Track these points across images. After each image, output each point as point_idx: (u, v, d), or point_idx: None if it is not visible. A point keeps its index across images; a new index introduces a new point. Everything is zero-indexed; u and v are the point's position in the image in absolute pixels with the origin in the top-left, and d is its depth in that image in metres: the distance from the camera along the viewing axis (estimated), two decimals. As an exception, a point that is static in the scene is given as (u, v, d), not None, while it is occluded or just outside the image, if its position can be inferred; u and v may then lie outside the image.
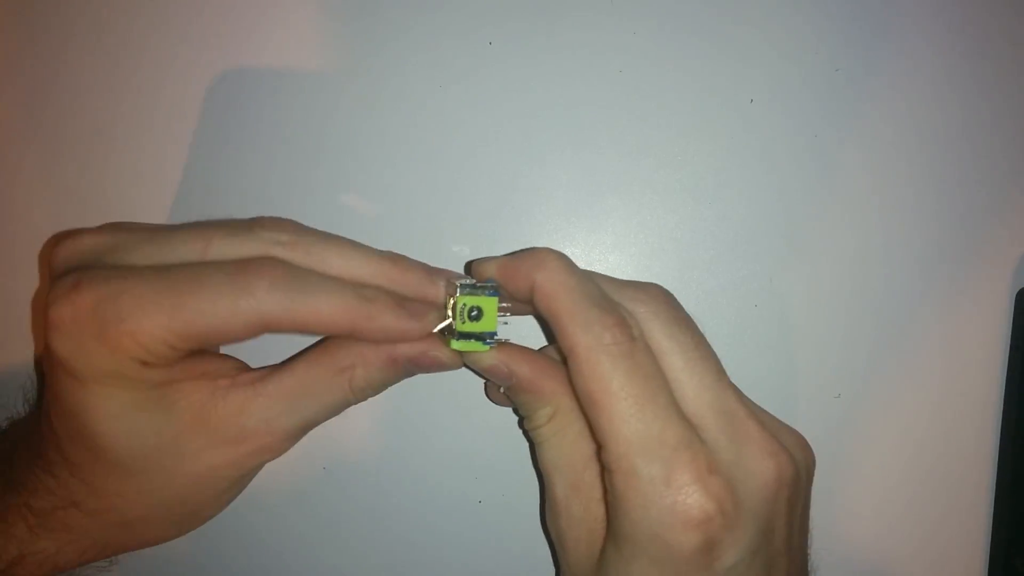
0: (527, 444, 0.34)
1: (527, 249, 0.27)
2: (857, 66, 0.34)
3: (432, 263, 0.28)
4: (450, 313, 0.27)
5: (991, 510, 0.34)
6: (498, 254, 0.34)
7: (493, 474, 0.34)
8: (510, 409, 0.33)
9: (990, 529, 0.34)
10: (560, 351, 0.26)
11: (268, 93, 0.34)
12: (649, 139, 0.34)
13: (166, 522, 0.29)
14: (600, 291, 0.26)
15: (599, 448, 0.25)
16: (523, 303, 0.27)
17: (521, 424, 0.29)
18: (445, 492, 0.34)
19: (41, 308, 0.34)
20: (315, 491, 0.35)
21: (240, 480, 0.28)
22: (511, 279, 0.27)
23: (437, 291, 0.27)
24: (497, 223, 0.34)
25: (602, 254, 0.34)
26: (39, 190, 0.35)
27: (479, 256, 0.34)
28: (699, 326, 0.27)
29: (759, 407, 0.27)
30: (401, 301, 0.26)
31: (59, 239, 0.27)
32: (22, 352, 0.35)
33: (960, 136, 0.34)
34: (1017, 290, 0.34)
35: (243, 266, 0.25)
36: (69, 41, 0.34)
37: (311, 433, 0.28)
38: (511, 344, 0.28)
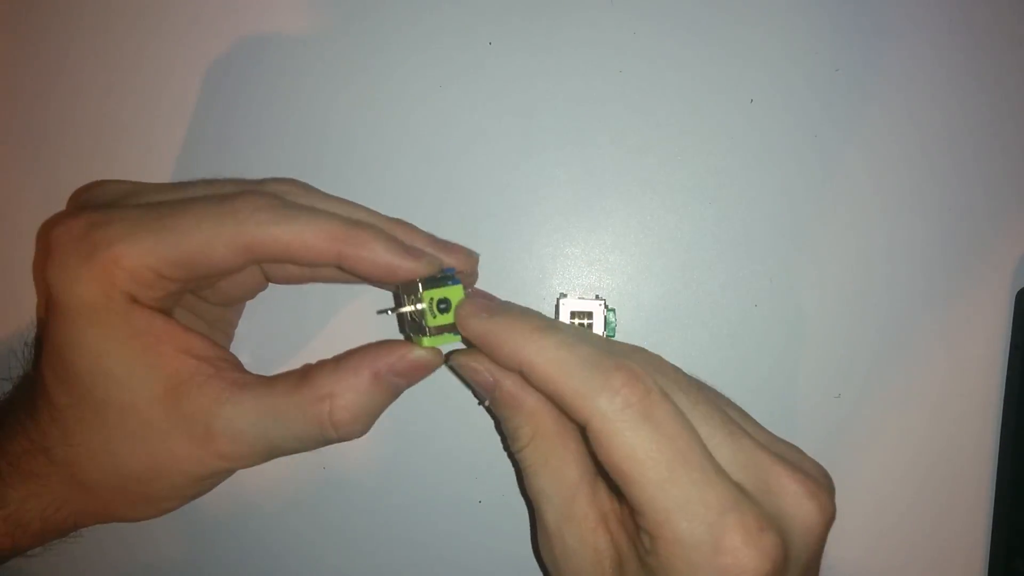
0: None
1: (501, 307, 0.25)
2: (857, 66, 0.34)
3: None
4: (420, 308, 0.26)
5: (991, 510, 0.34)
6: (497, 254, 0.34)
7: (493, 474, 0.34)
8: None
9: (990, 529, 0.34)
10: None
11: (267, 92, 0.34)
12: (649, 139, 0.34)
13: (123, 498, 0.28)
14: (596, 349, 0.24)
15: (634, 512, 0.23)
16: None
17: (506, 447, 0.29)
18: (445, 492, 0.34)
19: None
20: (314, 491, 0.35)
21: (202, 480, 0.28)
22: (493, 354, 0.25)
23: (443, 249, 0.28)
24: (497, 223, 0.34)
25: (602, 254, 0.34)
26: (36, 177, 0.35)
27: (481, 252, 0.34)
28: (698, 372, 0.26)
29: (773, 438, 0.26)
30: (395, 239, 0.26)
31: (89, 185, 0.29)
32: (23, 327, 0.35)
33: (960, 136, 0.34)
34: (1017, 290, 0.34)
35: (231, 195, 0.26)
36: (72, 32, 0.34)
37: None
38: None
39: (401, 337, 0.33)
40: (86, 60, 0.34)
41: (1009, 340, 0.34)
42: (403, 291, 0.27)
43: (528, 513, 0.33)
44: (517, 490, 0.34)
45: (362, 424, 0.27)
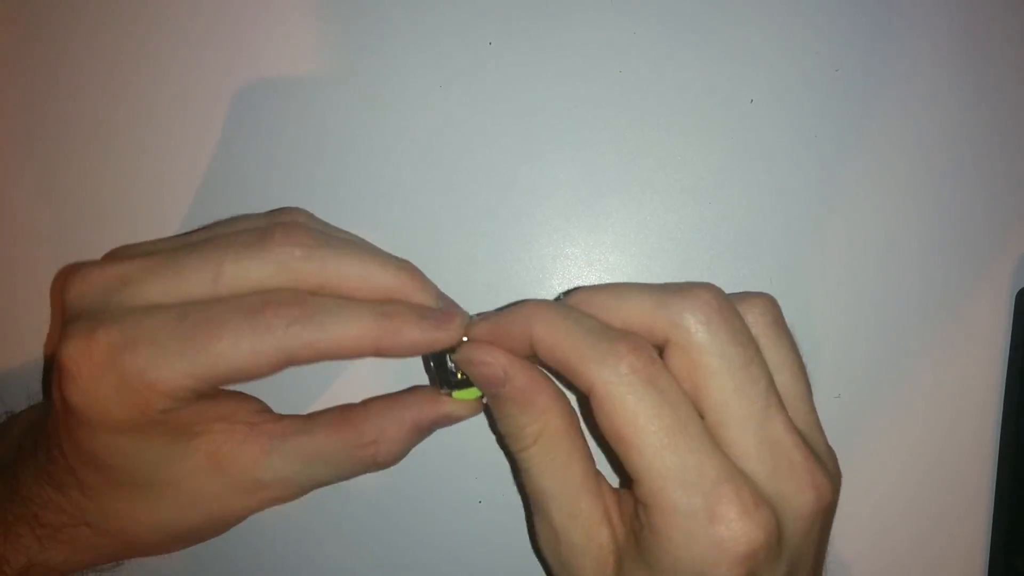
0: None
1: (512, 305, 0.26)
2: (857, 66, 0.34)
3: (432, 262, 0.29)
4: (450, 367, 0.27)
5: (991, 510, 0.34)
6: (497, 254, 0.34)
7: (493, 474, 0.34)
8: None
9: (990, 529, 0.34)
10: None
11: (267, 93, 0.34)
12: (649, 139, 0.34)
13: (173, 544, 0.29)
14: (600, 324, 0.24)
15: (631, 482, 0.24)
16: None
17: (502, 444, 0.28)
18: (445, 492, 0.34)
19: (53, 349, 0.33)
20: (315, 491, 0.34)
21: (249, 516, 0.29)
22: (506, 342, 0.26)
23: (456, 307, 0.27)
24: (497, 223, 0.34)
25: (602, 254, 0.34)
26: (46, 194, 0.35)
27: (481, 252, 0.34)
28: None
29: (810, 417, 0.26)
30: (423, 311, 0.26)
31: (67, 276, 0.26)
32: (27, 353, 0.35)
33: (960, 136, 0.34)
34: (1017, 290, 0.34)
35: (261, 305, 0.25)
36: (71, 51, 0.34)
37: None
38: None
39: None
40: (88, 73, 0.34)
41: (1009, 340, 0.34)
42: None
43: (525, 509, 0.33)
44: (517, 490, 0.34)
45: (399, 459, 0.28)
